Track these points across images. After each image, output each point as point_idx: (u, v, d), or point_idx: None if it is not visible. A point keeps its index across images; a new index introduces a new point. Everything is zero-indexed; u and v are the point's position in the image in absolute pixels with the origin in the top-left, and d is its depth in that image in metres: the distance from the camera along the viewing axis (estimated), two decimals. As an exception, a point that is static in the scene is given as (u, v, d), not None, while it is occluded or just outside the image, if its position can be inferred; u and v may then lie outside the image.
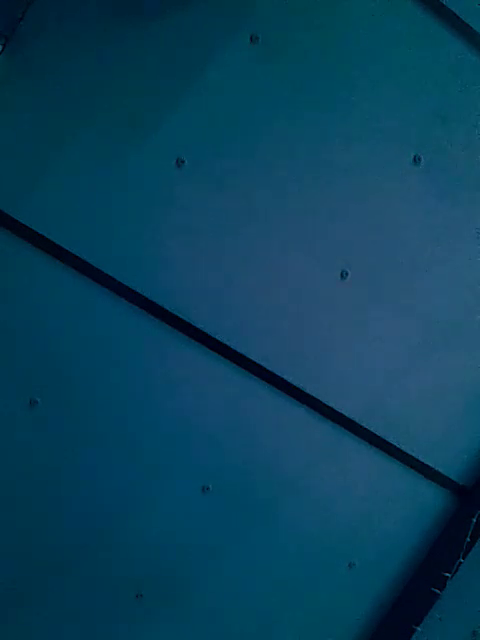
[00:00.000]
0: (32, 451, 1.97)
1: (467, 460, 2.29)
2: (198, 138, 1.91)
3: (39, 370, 1.93)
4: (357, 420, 2.16)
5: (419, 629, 2.23)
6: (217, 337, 2.02)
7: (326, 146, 1.99)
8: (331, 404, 2.13)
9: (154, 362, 2.00)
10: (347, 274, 2.07)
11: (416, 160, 2.04)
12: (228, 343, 2.03)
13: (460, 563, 2.20)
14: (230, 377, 2.05)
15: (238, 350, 2.04)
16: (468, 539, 2.20)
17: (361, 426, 2.17)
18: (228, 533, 2.15)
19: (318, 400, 2.12)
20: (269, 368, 2.07)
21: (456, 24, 1.97)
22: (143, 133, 1.88)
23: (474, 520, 2.21)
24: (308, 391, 2.11)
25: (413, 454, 2.23)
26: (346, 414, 2.15)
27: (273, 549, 2.19)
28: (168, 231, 1.94)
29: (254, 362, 2.05)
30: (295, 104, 1.94)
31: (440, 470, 2.27)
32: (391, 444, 2.20)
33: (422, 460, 2.24)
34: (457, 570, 2.20)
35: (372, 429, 2.18)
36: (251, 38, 1.88)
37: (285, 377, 2.08)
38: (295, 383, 2.09)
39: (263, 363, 2.06)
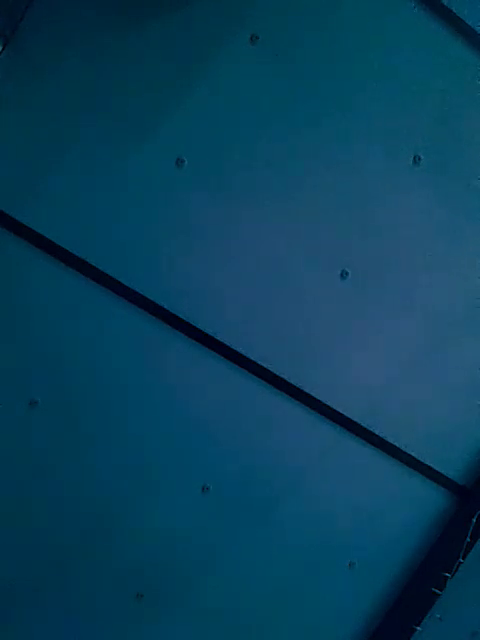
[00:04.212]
0: (32, 451, 1.97)
1: (467, 460, 2.29)
2: (198, 138, 1.91)
3: (39, 370, 1.93)
4: (357, 420, 2.16)
5: (419, 629, 2.23)
6: (217, 337, 2.02)
7: (326, 146, 1.99)
8: (331, 404, 2.13)
9: (154, 362, 2.00)
10: (347, 274, 2.07)
11: (416, 160, 2.04)
12: (228, 343, 2.03)
13: (460, 563, 2.20)
14: (230, 377, 2.05)
15: (238, 350, 2.04)
16: (468, 539, 2.20)
17: (361, 426, 2.17)
18: (228, 533, 2.15)
19: (318, 400, 2.12)
20: (269, 368, 2.06)
21: (456, 24, 1.97)
22: (143, 133, 1.88)
23: (474, 520, 2.21)
24: (308, 391, 2.11)
25: (413, 454, 2.23)
26: (346, 414, 2.15)
27: (273, 549, 2.19)
28: (168, 231, 1.94)
29: (254, 362, 2.05)
30: (295, 104, 1.94)
31: (440, 470, 2.27)
32: (391, 444, 2.20)
33: (422, 460, 2.24)
34: (457, 570, 2.20)
35: (372, 429, 2.18)
36: (251, 38, 1.88)
37: (285, 377, 2.08)
38: (295, 383, 2.09)
39: (263, 363, 2.06)
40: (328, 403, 2.13)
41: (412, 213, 2.08)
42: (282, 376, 2.08)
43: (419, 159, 2.04)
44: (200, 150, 1.92)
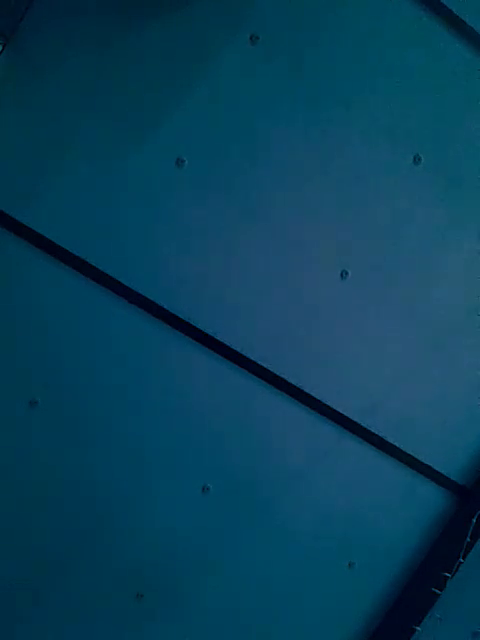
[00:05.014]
0: (32, 451, 1.97)
1: (467, 460, 2.29)
2: (198, 138, 1.91)
3: (39, 370, 1.93)
4: (357, 420, 2.16)
5: (419, 629, 2.23)
6: (217, 337, 2.02)
7: (326, 146, 1.99)
8: (331, 404, 2.13)
9: (154, 362, 2.00)
10: (347, 274, 2.07)
11: (416, 160, 2.04)
12: (228, 343, 2.03)
13: (460, 563, 2.20)
14: (230, 377, 2.05)
15: (238, 350, 2.04)
16: (468, 539, 2.20)
17: (361, 426, 2.17)
18: (228, 533, 2.15)
19: (318, 400, 2.12)
20: (269, 368, 2.07)
21: (456, 24, 1.97)
22: (143, 133, 1.88)
23: (474, 520, 2.21)
24: (308, 391, 2.11)
25: (413, 454, 2.23)
26: (346, 414, 2.15)
27: (273, 549, 2.19)
28: (168, 231, 1.94)
29: (254, 362, 2.05)
30: (295, 104, 1.94)
31: (440, 470, 2.27)
32: (391, 444, 2.20)
33: (422, 460, 2.24)
34: (457, 570, 2.20)
35: (372, 429, 2.18)
36: (251, 38, 1.88)
37: (285, 377, 2.08)
38: (295, 383, 2.09)
39: (263, 363, 2.06)
40: (328, 403, 2.13)
41: (412, 213, 2.08)
42: (282, 376, 2.08)
43: (419, 159, 2.04)
44: (200, 150, 1.92)
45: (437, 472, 2.27)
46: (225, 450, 2.09)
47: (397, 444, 2.21)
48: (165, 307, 1.97)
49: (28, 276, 1.88)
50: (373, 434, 2.18)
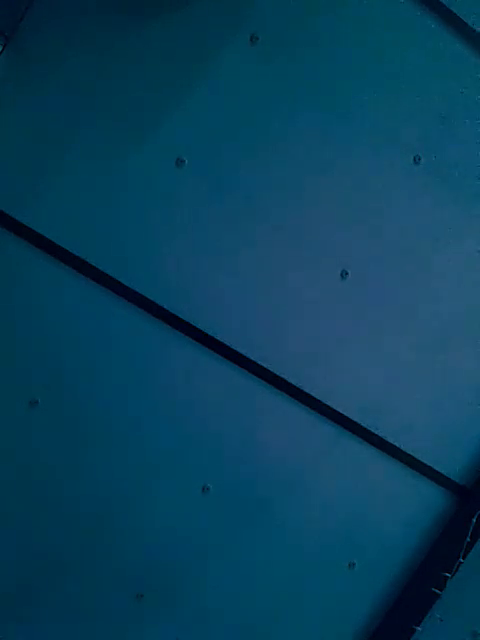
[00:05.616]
0: (32, 451, 1.97)
1: (467, 460, 2.29)
2: (198, 138, 1.91)
3: (39, 370, 1.93)
4: (357, 420, 2.16)
5: (419, 629, 2.23)
6: (217, 337, 2.02)
7: (326, 146, 1.99)
8: (331, 404, 2.13)
9: (154, 362, 2.00)
10: (347, 274, 2.07)
11: (416, 160, 2.04)
12: (228, 343, 2.03)
13: (460, 563, 2.20)
14: (230, 377, 2.05)
15: (238, 350, 2.04)
16: (468, 539, 2.20)
17: (361, 426, 2.17)
18: (228, 533, 2.15)
19: (318, 400, 2.12)
20: (269, 368, 2.07)
21: (456, 24, 1.97)
22: (143, 133, 1.88)
23: (474, 520, 2.21)
24: (308, 391, 2.11)
25: (413, 454, 2.23)
26: (346, 414, 2.15)
27: (273, 549, 2.19)
28: (168, 231, 1.94)
29: (254, 362, 2.05)
30: (295, 104, 1.94)
31: (440, 470, 2.27)
32: (391, 444, 2.20)
33: (422, 460, 2.24)
34: (457, 570, 2.20)
35: (372, 429, 2.18)
36: (251, 38, 1.88)
37: (285, 377, 2.08)
38: (295, 383, 2.09)
39: (263, 363, 2.06)
40: (328, 403, 2.13)
41: (412, 213, 2.08)
42: (282, 376, 2.08)
43: (419, 159, 2.04)
44: (200, 150, 1.92)
45: (437, 472, 2.27)
46: (225, 450, 2.09)
47: (397, 444, 2.21)
48: (165, 307, 1.97)
49: (28, 276, 1.88)
50: (373, 434, 2.18)
